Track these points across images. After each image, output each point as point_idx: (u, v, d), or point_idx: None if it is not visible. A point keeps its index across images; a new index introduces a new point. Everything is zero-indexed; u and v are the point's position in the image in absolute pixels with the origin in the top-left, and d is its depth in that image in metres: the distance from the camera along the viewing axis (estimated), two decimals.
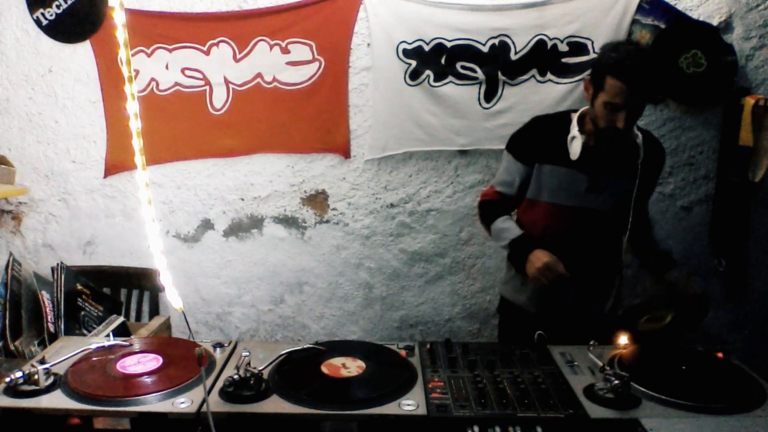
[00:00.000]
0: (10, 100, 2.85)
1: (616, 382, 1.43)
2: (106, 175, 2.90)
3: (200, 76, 2.76)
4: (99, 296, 2.27)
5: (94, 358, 1.62)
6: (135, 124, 1.68)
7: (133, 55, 2.45)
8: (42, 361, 1.51)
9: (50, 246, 2.99)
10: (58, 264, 2.16)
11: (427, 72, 2.67)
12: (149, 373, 1.54)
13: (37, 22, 2.75)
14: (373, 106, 2.75)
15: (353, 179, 2.85)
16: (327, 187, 2.87)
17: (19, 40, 2.78)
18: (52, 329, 2.03)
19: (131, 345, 1.70)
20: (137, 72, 2.73)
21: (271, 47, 2.71)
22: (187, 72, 2.76)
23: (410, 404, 1.41)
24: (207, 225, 2.95)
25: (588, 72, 1.98)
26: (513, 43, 2.63)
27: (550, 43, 2.62)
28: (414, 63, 2.67)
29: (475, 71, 2.67)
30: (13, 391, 1.46)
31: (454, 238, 2.89)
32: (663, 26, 2.58)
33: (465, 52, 2.65)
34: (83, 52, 2.78)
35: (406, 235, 2.90)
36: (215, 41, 2.72)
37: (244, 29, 2.70)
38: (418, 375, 1.56)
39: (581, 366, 1.62)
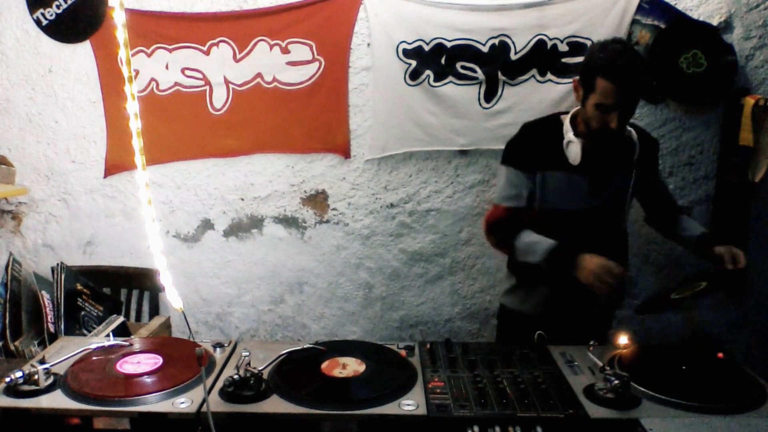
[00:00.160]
0: (10, 100, 2.85)
1: (616, 382, 1.43)
2: (106, 175, 2.90)
3: (200, 76, 2.76)
4: (99, 296, 2.27)
5: (94, 358, 1.62)
6: (135, 124, 1.68)
7: (133, 55, 2.46)
8: (42, 361, 1.51)
9: (50, 246, 2.99)
10: (58, 264, 2.16)
11: (427, 72, 2.67)
12: (149, 373, 1.54)
13: (37, 22, 2.75)
14: (373, 106, 2.75)
15: (353, 179, 2.85)
16: (327, 187, 2.87)
17: (19, 40, 2.78)
18: (52, 329, 2.03)
19: (131, 345, 1.71)
20: (137, 72, 2.73)
21: (271, 47, 2.71)
22: (187, 72, 2.76)
23: (410, 404, 1.41)
24: (207, 225, 2.95)
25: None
26: (513, 43, 2.63)
27: (550, 43, 2.62)
28: (414, 63, 2.66)
29: (475, 71, 2.67)
30: (13, 391, 1.46)
31: (454, 238, 2.89)
32: (663, 26, 2.58)
33: (465, 52, 2.65)
34: (83, 52, 2.78)
35: (406, 235, 2.90)
36: (215, 41, 2.72)
37: (244, 29, 2.70)
38: (418, 375, 1.56)
39: (581, 366, 1.62)
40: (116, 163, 2.88)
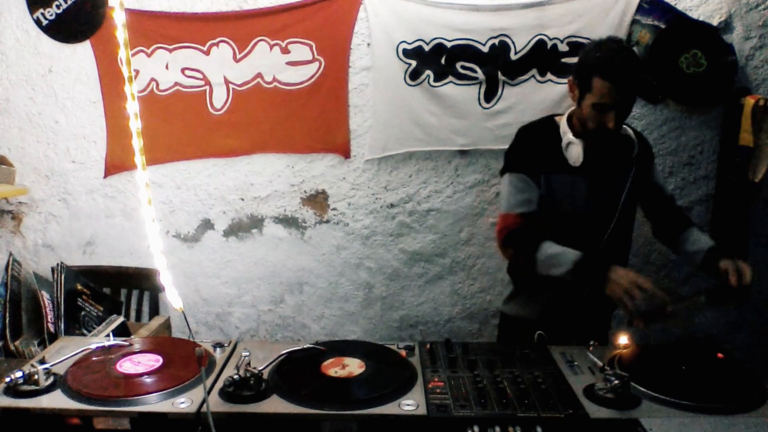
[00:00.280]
0: (10, 100, 2.85)
1: (616, 382, 1.43)
2: (106, 175, 2.90)
3: (200, 76, 2.76)
4: (99, 296, 2.27)
5: (94, 358, 1.62)
6: (135, 124, 1.68)
7: (133, 55, 2.46)
8: (42, 361, 1.51)
9: (50, 246, 2.99)
10: (58, 264, 2.16)
11: (427, 72, 2.67)
12: (149, 373, 1.54)
13: (37, 22, 2.75)
14: (373, 106, 2.75)
15: (353, 179, 2.85)
16: (327, 187, 2.87)
17: (19, 40, 2.78)
18: (52, 329, 2.03)
19: (131, 345, 1.70)
20: (137, 72, 2.73)
21: (271, 47, 2.71)
22: (187, 72, 2.76)
23: (410, 404, 1.41)
24: (207, 225, 2.95)
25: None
26: (513, 43, 2.63)
27: (550, 43, 2.62)
28: (414, 63, 2.66)
29: (475, 71, 2.67)
30: (13, 391, 1.46)
31: (454, 238, 2.89)
32: (663, 26, 2.58)
33: (465, 52, 2.65)
34: (83, 52, 2.78)
35: (406, 235, 2.90)
36: (215, 41, 2.72)
37: (244, 29, 2.70)
38: (418, 375, 1.56)
39: (581, 366, 1.62)
40: (116, 163, 2.88)
